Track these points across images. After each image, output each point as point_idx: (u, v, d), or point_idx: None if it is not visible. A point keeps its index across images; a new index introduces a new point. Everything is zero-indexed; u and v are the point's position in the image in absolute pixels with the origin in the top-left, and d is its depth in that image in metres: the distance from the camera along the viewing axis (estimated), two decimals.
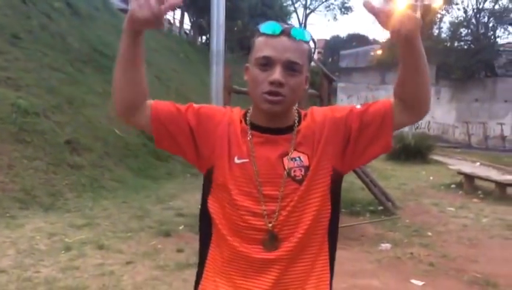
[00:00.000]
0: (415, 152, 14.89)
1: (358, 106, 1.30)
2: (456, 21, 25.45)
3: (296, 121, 1.29)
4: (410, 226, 6.51)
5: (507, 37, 25.52)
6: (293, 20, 46.22)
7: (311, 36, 1.25)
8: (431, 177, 11.49)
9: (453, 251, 5.37)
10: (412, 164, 14.05)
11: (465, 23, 25.15)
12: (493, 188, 8.96)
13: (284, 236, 1.22)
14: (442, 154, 17.26)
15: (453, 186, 10.02)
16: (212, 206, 1.29)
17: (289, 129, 1.27)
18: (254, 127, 1.27)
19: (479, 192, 9.19)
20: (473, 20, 24.95)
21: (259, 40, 1.22)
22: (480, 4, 24.50)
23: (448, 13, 26.27)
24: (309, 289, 1.26)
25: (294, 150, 1.25)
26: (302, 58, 1.21)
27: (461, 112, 24.18)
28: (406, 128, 19.12)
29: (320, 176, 1.25)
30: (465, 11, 25.10)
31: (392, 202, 7.75)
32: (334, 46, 49.42)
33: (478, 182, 9.65)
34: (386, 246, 5.45)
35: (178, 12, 29.42)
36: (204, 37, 31.80)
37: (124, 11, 22.40)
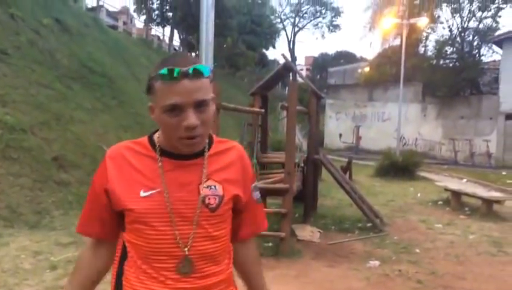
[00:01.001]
0: (402, 169, 14.98)
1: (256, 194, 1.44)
2: (442, 39, 25.86)
3: (206, 145, 1.31)
4: (398, 243, 6.53)
5: (491, 56, 25.86)
6: (282, 38, 46.75)
7: (209, 69, 1.22)
8: (419, 194, 11.57)
9: (440, 267, 5.39)
10: (399, 180, 14.14)
11: (450, 42, 25.56)
12: (480, 205, 9.03)
13: (198, 260, 1.25)
14: (429, 170, 17.40)
15: (440, 202, 10.09)
16: (127, 241, 1.29)
17: (200, 154, 1.29)
18: (164, 153, 1.26)
19: (466, 208, 9.26)
20: (458, 39, 25.37)
21: (160, 86, 1.17)
22: (464, 23, 24.96)
23: (434, 32, 26.76)
24: None
25: (209, 178, 1.28)
26: (208, 92, 1.20)
27: (447, 129, 24.44)
28: (394, 145, 19.30)
29: (229, 205, 1.31)
30: (450, 30, 25.55)
31: (381, 218, 7.78)
32: (322, 64, 49.89)
33: (465, 199, 9.73)
34: (374, 263, 5.46)
35: (168, 29, 29.62)
36: (193, 54, 31.95)
37: (114, 27, 22.50)
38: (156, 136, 1.31)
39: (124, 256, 1.30)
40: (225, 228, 1.31)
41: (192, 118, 1.16)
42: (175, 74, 1.14)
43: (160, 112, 1.19)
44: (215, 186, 1.28)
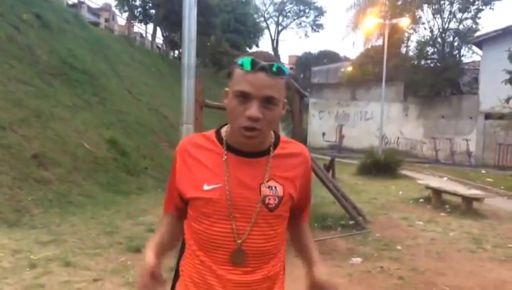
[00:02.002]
0: (385, 167, 15.13)
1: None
2: (423, 40, 26.18)
3: (272, 144, 1.35)
4: (380, 240, 6.59)
5: (471, 56, 26.24)
6: (265, 37, 46.75)
7: (288, 70, 1.29)
8: (400, 192, 11.69)
9: (422, 264, 5.45)
10: (382, 178, 14.27)
11: (431, 43, 25.87)
12: (460, 203, 9.17)
13: (252, 256, 1.30)
14: (411, 169, 17.60)
15: (421, 200, 10.22)
16: (187, 229, 1.38)
17: (265, 152, 1.33)
18: (230, 148, 1.31)
19: (447, 206, 9.39)
20: (439, 40, 25.71)
21: (237, 72, 1.24)
22: (445, 24, 25.29)
23: (416, 32, 27.06)
24: None
25: (271, 178, 1.32)
26: (280, 92, 1.25)
27: (428, 128, 24.77)
28: (376, 144, 19.48)
29: (287, 206, 1.37)
30: (432, 31, 25.84)
31: (363, 216, 7.83)
32: (305, 63, 50.01)
33: (445, 197, 9.87)
34: (356, 260, 5.49)
35: (150, 26, 29.34)
36: (176, 52, 31.75)
37: (96, 24, 22.21)
38: (223, 131, 1.36)
39: (183, 246, 1.41)
40: (281, 228, 1.37)
41: (255, 109, 1.21)
42: (254, 65, 1.21)
43: (231, 97, 1.26)
44: (276, 187, 1.32)
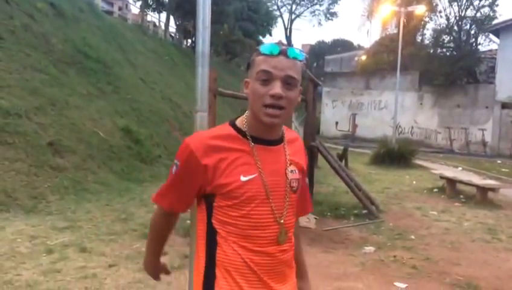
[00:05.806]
0: (398, 157, 15.03)
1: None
2: (439, 28, 25.80)
3: (284, 132, 1.48)
4: (393, 229, 6.57)
5: (488, 45, 25.73)
6: (278, 25, 46.46)
7: (305, 55, 1.39)
8: (414, 182, 11.61)
9: (435, 254, 5.43)
10: (395, 168, 14.18)
11: (447, 31, 25.48)
12: (474, 193, 9.09)
13: (289, 233, 1.44)
14: (425, 158, 17.47)
15: (435, 190, 10.15)
16: (219, 222, 1.40)
17: (281, 139, 1.46)
18: (254, 139, 1.39)
19: (461, 196, 9.31)
20: (455, 28, 25.30)
21: (259, 59, 1.35)
22: (462, 12, 24.86)
23: (432, 20, 26.65)
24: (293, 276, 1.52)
25: (291, 163, 1.45)
26: (298, 74, 1.36)
27: (443, 117, 24.49)
28: (390, 133, 19.33)
29: (301, 186, 1.52)
30: (448, 19, 25.42)
31: (376, 205, 7.81)
32: (319, 51, 49.69)
33: (460, 187, 9.78)
34: (369, 249, 5.49)
35: (163, 15, 29.32)
36: (189, 41, 31.70)
37: (109, 13, 22.27)
38: (239, 123, 1.42)
39: (212, 242, 1.41)
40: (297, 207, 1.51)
41: (278, 88, 1.31)
42: (275, 50, 1.33)
43: (253, 81, 1.36)
44: (295, 170, 1.46)
